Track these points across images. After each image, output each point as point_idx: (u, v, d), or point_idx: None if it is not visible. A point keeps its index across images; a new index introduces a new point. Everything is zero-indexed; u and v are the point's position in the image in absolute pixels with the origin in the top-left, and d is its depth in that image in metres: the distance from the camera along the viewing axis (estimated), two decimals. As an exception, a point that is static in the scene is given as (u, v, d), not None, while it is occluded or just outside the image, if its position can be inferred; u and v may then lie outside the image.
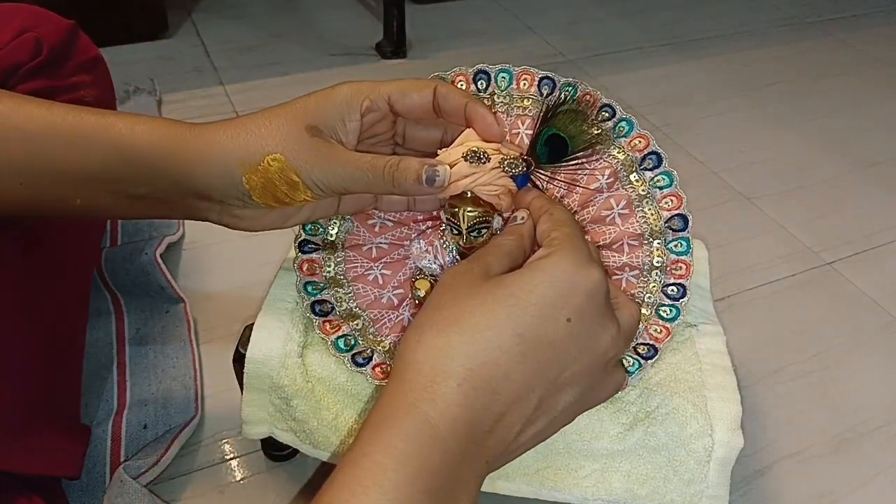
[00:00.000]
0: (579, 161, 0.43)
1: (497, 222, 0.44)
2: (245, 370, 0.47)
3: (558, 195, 0.47)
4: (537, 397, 0.34)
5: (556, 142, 0.42)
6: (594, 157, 0.47)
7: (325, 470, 0.57)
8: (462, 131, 0.42)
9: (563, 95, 0.45)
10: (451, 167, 0.40)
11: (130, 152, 0.39)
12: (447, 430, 0.31)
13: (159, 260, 0.71)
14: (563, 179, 0.45)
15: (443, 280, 0.36)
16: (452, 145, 0.41)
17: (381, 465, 0.29)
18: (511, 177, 0.41)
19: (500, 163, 0.41)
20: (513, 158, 0.41)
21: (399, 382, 0.32)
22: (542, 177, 0.43)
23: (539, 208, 0.40)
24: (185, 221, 0.82)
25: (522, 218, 0.40)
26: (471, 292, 0.34)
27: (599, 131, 0.47)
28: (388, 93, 0.40)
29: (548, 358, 0.33)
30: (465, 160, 0.40)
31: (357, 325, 0.47)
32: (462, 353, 0.32)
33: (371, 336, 0.47)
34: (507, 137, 0.48)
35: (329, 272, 0.48)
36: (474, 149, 0.40)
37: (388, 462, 0.29)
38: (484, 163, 0.40)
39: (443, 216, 0.45)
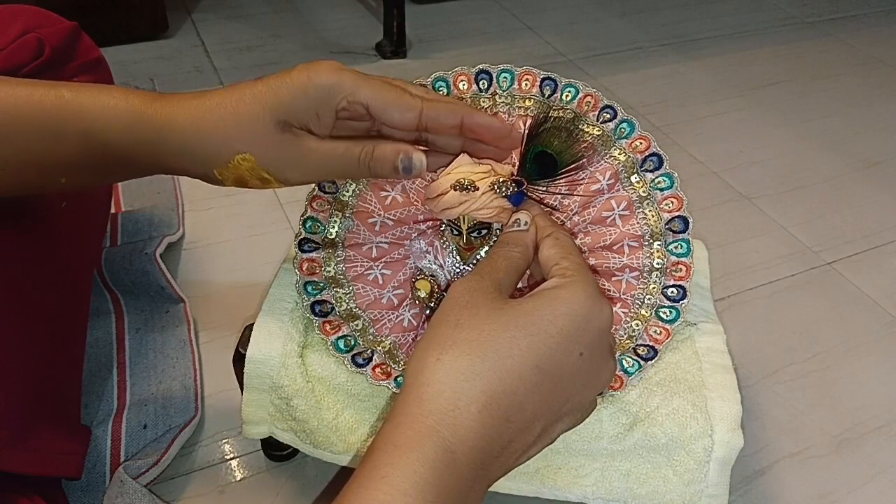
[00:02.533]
0: (568, 175, 0.43)
1: (497, 224, 0.44)
2: (245, 370, 0.47)
3: (554, 202, 0.47)
4: (541, 426, 0.34)
5: (543, 158, 0.42)
6: (584, 170, 0.47)
7: (344, 474, 0.57)
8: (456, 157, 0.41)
9: (545, 113, 0.44)
10: (443, 195, 0.40)
11: (103, 144, 0.38)
12: (463, 457, 0.31)
13: (159, 260, 0.71)
14: (557, 192, 0.45)
15: (456, 295, 0.36)
16: (444, 173, 0.41)
17: (401, 491, 0.29)
18: (505, 197, 0.41)
19: (490, 186, 0.41)
20: (502, 181, 0.41)
21: (418, 402, 0.32)
22: (537, 192, 0.43)
23: (542, 228, 0.40)
24: (185, 221, 0.82)
25: (526, 223, 0.40)
26: (491, 315, 0.34)
27: (585, 144, 0.47)
28: (367, 101, 0.38)
29: (557, 390, 0.34)
30: (454, 190, 0.40)
31: (357, 325, 0.47)
32: (485, 379, 0.32)
33: (371, 336, 0.47)
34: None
35: (329, 272, 0.48)
36: (461, 180, 0.40)
37: (408, 488, 0.29)
38: (472, 191, 0.40)
39: (443, 216, 0.45)
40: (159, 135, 0.38)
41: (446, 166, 0.41)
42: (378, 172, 0.39)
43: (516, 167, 0.43)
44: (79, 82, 0.39)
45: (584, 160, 0.47)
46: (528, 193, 0.42)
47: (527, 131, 0.42)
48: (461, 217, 0.43)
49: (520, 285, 0.44)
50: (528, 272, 0.41)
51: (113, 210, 0.79)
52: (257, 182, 0.39)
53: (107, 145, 0.38)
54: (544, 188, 0.43)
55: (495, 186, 0.41)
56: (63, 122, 0.38)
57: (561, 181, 0.43)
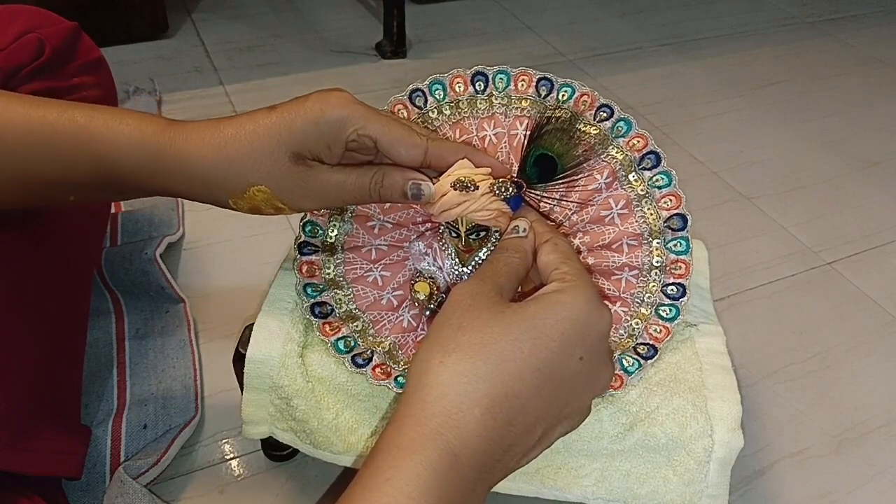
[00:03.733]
0: (569, 179, 0.43)
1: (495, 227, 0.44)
2: (245, 370, 0.47)
3: (552, 205, 0.47)
4: (542, 430, 0.35)
5: (544, 161, 0.42)
6: (584, 174, 0.47)
7: (345, 475, 0.57)
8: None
9: (547, 115, 0.45)
10: (443, 196, 0.40)
11: (114, 169, 0.39)
12: (466, 460, 0.31)
13: (159, 260, 0.71)
14: (556, 197, 0.45)
15: (458, 298, 0.36)
16: (444, 175, 0.41)
17: (405, 494, 0.29)
18: (504, 199, 0.41)
19: (489, 188, 0.41)
20: (502, 182, 0.41)
21: (422, 404, 0.32)
22: (535, 196, 0.44)
23: (540, 234, 0.40)
24: (185, 221, 0.82)
25: (524, 230, 0.40)
26: (493, 319, 0.34)
27: (586, 147, 0.47)
28: (376, 136, 0.39)
29: (558, 393, 0.34)
30: (454, 188, 0.40)
31: (357, 326, 0.47)
32: (487, 381, 0.32)
33: (371, 337, 0.47)
34: (506, 139, 0.48)
35: (329, 274, 0.48)
36: (461, 178, 0.40)
37: (411, 490, 0.29)
38: (472, 191, 0.40)
39: (442, 218, 0.45)
40: (173, 165, 0.38)
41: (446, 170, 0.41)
42: (387, 198, 0.41)
43: (516, 169, 0.43)
44: (92, 105, 0.39)
45: (585, 163, 0.47)
46: (526, 198, 0.42)
47: (528, 134, 0.42)
48: (459, 219, 0.43)
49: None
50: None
51: (113, 210, 0.79)
52: (271, 210, 0.40)
53: (118, 171, 0.39)
54: (542, 191, 0.43)
55: (494, 188, 0.41)
56: (75, 147, 0.38)
57: (560, 184, 0.43)
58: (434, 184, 0.41)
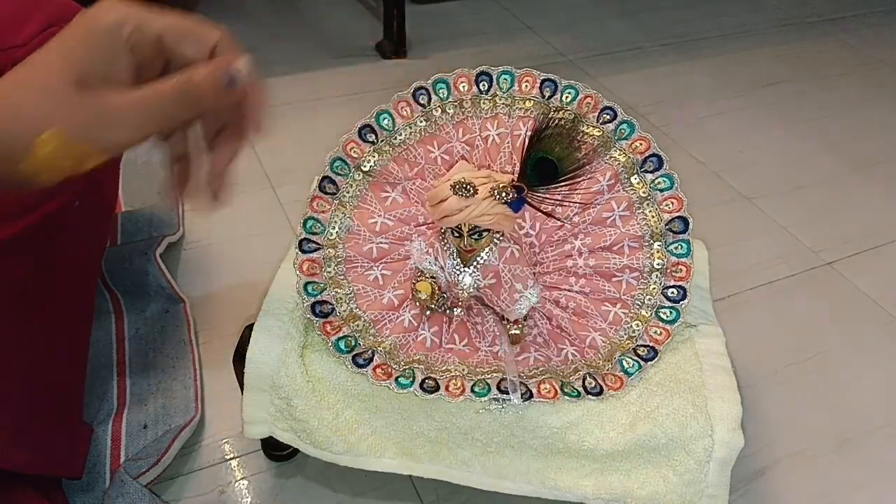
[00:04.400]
0: (570, 182, 0.43)
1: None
2: (245, 370, 0.47)
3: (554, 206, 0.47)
4: None
5: (545, 164, 0.42)
6: (584, 177, 0.47)
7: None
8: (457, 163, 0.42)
9: (547, 119, 0.44)
10: (443, 202, 0.40)
11: None
12: None
13: (159, 260, 0.71)
14: (558, 199, 0.45)
15: None
16: (443, 178, 0.41)
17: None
18: (505, 203, 0.41)
19: (490, 192, 0.41)
20: (502, 187, 0.41)
21: None
22: (538, 197, 0.43)
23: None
24: (185, 221, 0.82)
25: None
26: None
27: (586, 150, 0.47)
28: (159, 32, 0.33)
29: None
30: (454, 192, 0.40)
31: (357, 325, 0.47)
32: None
33: (371, 337, 0.47)
34: (509, 139, 0.48)
35: (329, 272, 0.48)
36: (460, 180, 0.40)
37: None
38: (472, 195, 0.40)
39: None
40: None
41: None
42: (206, 97, 0.33)
43: (517, 173, 0.43)
44: None
45: (586, 166, 0.46)
46: (529, 199, 0.42)
47: (528, 137, 0.42)
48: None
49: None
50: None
51: (113, 210, 0.79)
52: (73, 162, 0.32)
53: None
54: (542, 197, 0.42)
55: (495, 192, 0.41)
56: None
57: (561, 187, 0.43)
58: (433, 188, 0.40)
